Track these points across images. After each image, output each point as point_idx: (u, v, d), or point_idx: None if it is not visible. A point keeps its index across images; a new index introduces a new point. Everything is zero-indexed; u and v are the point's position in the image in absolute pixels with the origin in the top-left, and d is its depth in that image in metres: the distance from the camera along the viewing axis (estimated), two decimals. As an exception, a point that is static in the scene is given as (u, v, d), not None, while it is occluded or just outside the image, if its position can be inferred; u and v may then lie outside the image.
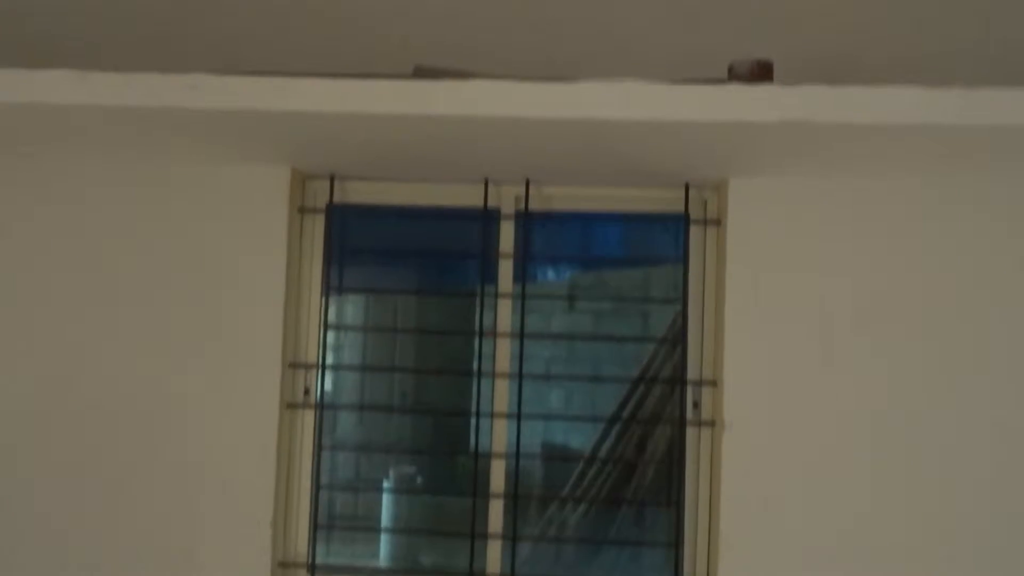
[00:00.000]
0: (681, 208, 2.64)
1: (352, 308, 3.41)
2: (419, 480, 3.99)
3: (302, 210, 2.72)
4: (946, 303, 2.47)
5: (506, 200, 2.72)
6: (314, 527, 2.68)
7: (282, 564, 2.64)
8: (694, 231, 2.67)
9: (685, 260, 2.66)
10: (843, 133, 2.07)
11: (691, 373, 2.65)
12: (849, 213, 2.50)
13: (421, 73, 2.17)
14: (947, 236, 2.48)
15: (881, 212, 2.50)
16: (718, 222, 2.63)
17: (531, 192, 2.68)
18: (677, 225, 2.71)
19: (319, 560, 2.67)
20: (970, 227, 2.48)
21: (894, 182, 2.48)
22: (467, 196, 2.71)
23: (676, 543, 2.63)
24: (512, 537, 2.65)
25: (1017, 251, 2.46)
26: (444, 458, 3.75)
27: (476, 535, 2.64)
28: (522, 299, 2.69)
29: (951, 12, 2.40)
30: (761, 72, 2.16)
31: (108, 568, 2.61)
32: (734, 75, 2.17)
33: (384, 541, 3.62)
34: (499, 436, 2.70)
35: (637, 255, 3.23)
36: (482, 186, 2.68)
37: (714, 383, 2.59)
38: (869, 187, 2.49)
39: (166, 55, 2.35)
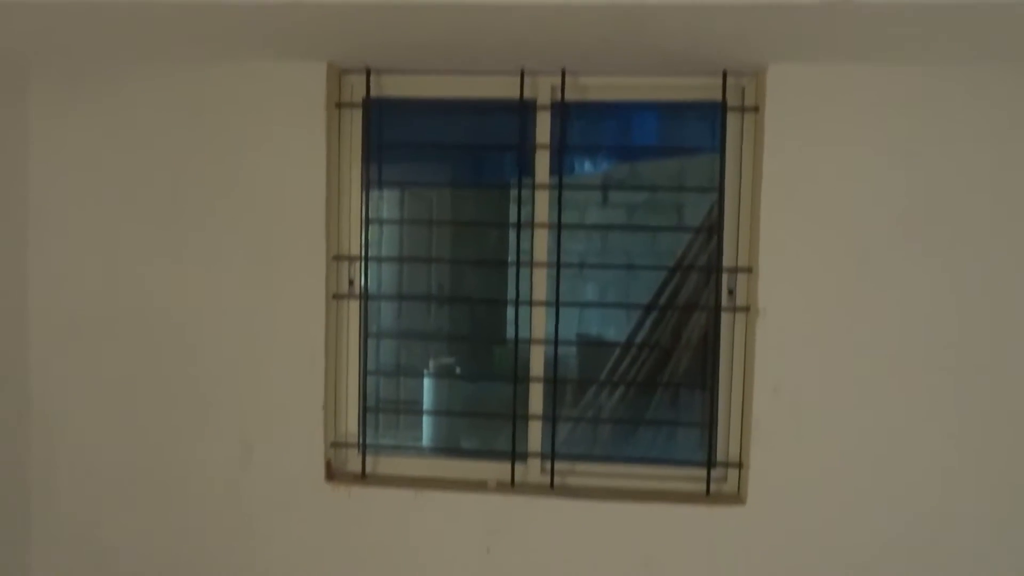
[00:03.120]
0: (718, 96, 2.62)
1: (390, 203, 3.46)
2: (457, 371, 4.13)
3: (339, 105, 2.74)
4: (990, 200, 2.46)
5: (542, 91, 2.72)
6: (363, 410, 2.81)
7: (335, 444, 2.80)
8: (731, 119, 2.65)
9: (722, 148, 2.66)
10: (887, 14, 2.01)
11: (726, 261, 2.69)
12: (890, 102, 2.47)
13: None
14: (995, 130, 2.44)
15: (925, 101, 2.46)
16: (756, 109, 2.61)
17: (567, 83, 2.67)
18: (714, 115, 2.69)
19: (368, 441, 2.82)
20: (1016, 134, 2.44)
21: (941, 70, 2.43)
22: (503, 88, 2.70)
23: (709, 424, 2.73)
24: (552, 418, 2.76)
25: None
26: (481, 349, 3.86)
27: (517, 417, 2.76)
28: (559, 189, 2.72)
29: None
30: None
31: (168, 456, 2.80)
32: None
33: (428, 426, 3.79)
34: (537, 324, 2.78)
35: (673, 145, 3.22)
36: (518, 77, 2.67)
37: (749, 270, 2.63)
38: (913, 75, 2.45)
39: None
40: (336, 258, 2.78)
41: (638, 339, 3.37)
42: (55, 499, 2.85)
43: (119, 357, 2.79)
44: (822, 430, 2.56)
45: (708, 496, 2.67)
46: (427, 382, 4.02)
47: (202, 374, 2.76)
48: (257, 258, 2.72)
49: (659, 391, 3.22)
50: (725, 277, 2.68)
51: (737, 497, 2.67)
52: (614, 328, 4.39)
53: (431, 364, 4.22)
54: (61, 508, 2.85)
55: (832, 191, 2.50)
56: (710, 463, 2.69)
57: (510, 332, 2.79)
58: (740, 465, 2.67)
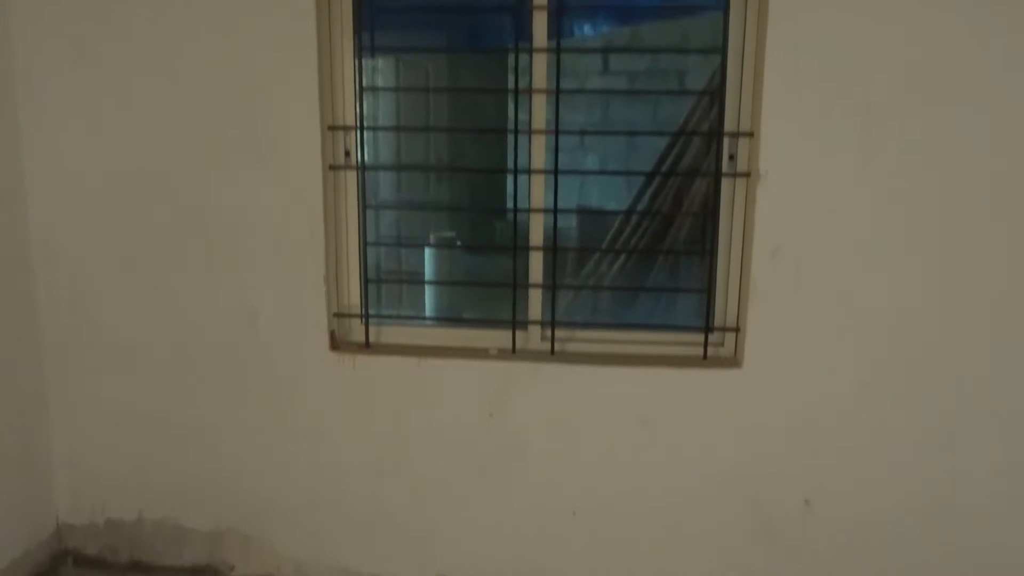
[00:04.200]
0: (724, -50, 2.51)
1: (386, 72, 3.38)
2: (458, 243, 4.14)
3: (329, -34, 2.63)
4: (997, 56, 2.37)
5: (539, -52, 2.60)
6: (364, 279, 2.84)
7: (338, 315, 2.84)
8: (736, -25, 2.55)
9: (726, 7, 2.56)
10: None
11: (728, 125, 2.64)
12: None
13: None
14: (1003, 6, 2.34)
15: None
16: (762, -36, 2.50)
17: (565, -63, 2.56)
18: (718, -29, 2.58)
19: (372, 312, 2.85)
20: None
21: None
22: (498, -56, 2.59)
23: (708, 290, 2.75)
24: (552, 287, 2.78)
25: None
26: (482, 221, 3.85)
27: (517, 286, 2.78)
28: (557, 53, 2.64)
29: None
30: None
31: (178, 331, 2.85)
32: None
33: (430, 298, 3.83)
34: (537, 194, 2.76)
35: (676, 4, 3.10)
36: (514, -68, 2.55)
37: (751, 134, 2.59)
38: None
39: None
40: (331, 128, 2.73)
41: (639, 208, 3.36)
42: (68, 369, 2.93)
43: (122, 225, 2.80)
44: (820, 293, 2.58)
45: (705, 360, 2.73)
46: (428, 254, 4.03)
47: (205, 244, 2.78)
48: (253, 129, 2.67)
49: (659, 259, 3.23)
50: (726, 142, 2.64)
51: (733, 360, 2.72)
52: (615, 200, 4.37)
53: (432, 237, 4.23)
54: (73, 378, 2.93)
55: (837, 50, 2.42)
56: (708, 328, 2.74)
57: (511, 204, 2.77)
58: (737, 329, 2.71)
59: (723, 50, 2.59)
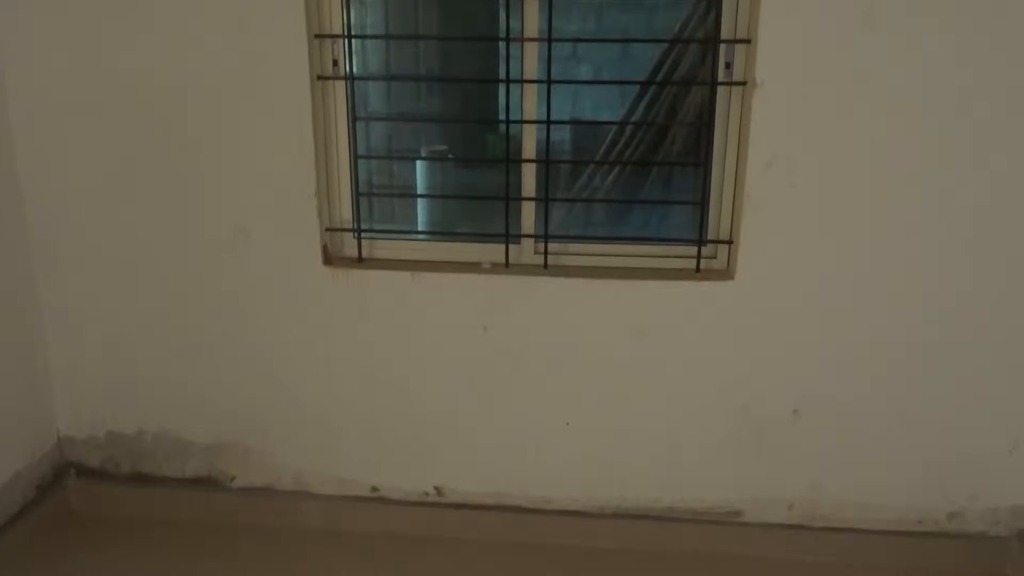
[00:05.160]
0: None
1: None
2: (450, 156, 4.08)
3: None
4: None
5: None
6: (356, 193, 2.81)
7: (330, 230, 2.82)
8: None
9: (725, -94, 2.47)
10: None
11: (725, 32, 2.57)
12: None
13: None
14: None
15: None
16: None
17: None
18: None
19: (364, 227, 2.83)
20: None
21: None
22: None
23: (702, 202, 2.74)
24: (544, 200, 2.76)
25: None
26: (471, 134, 3.79)
27: (510, 199, 2.76)
28: (550, -43, 2.55)
29: None
30: None
31: (168, 250, 2.83)
32: None
33: (423, 212, 3.80)
34: (529, 104, 2.71)
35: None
36: None
37: (748, 41, 2.53)
38: None
39: None
40: (318, 36, 2.65)
41: (633, 119, 3.30)
42: (64, 287, 2.92)
43: (109, 147, 2.74)
44: (815, 206, 2.56)
45: (698, 272, 2.73)
46: (420, 168, 3.98)
47: (192, 162, 2.73)
48: (237, 38, 2.59)
49: (653, 171, 3.20)
50: (723, 49, 2.58)
51: (726, 273, 2.73)
52: (609, 110, 4.30)
53: (423, 151, 4.17)
54: (70, 296, 2.93)
55: (839, -47, 2.35)
56: (701, 241, 2.73)
57: (503, 116, 2.72)
58: (730, 242, 2.70)
59: (721, -48, 2.51)
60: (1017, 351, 2.64)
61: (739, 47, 2.56)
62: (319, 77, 2.68)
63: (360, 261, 2.82)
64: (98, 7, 2.61)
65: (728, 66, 2.60)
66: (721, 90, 2.62)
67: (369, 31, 2.93)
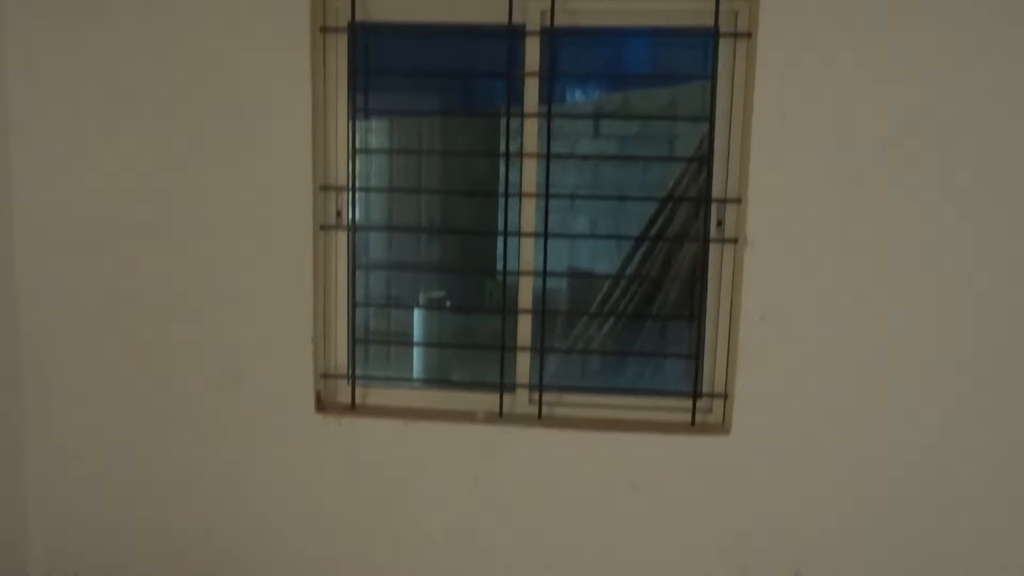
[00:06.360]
0: (711, 22, 2.56)
1: (379, 132, 3.41)
2: (448, 303, 4.13)
3: (324, 29, 2.67)
4: (981, 128, 2.41)
5: (531, 16, 2.65)
6: (352, 340, 2.82)
7: (324, 376, 2.81)
8: (723, 45, 2.59)
9: (713, 75, 2.60)
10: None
11: (716, 191, 2.66)
12: (885, 30, 2.41)
13: None
14: (987, 57, 2.39)
15: (924, 21, 2.39)
16: (748, 35, 2.55)
17: (557, 6, 2.60)
18: (706, 42, 2.63)
19: (359, 373, 2.83)
20: (1015, 50, 2.38)
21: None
22: (492, 12, 2.64)
23: (696, 355, 2.74)
24: (540, 350, 2.77)
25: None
26: (472, 281, 3.86)
27: (505, 349, 2.77)
28: (548, 118, 2.67)
29: None
30: None
31: (161, 389, 2.81)
32: None
33: (419, 359, 3.81)
34: (527, 255, 2.77)
35: (665, 72, 3.15)
36: (507, 1, 2.60)
37: (738, 201, 2.61)
38: (907, 3, 2.39)
39: None
40: (323, 188, 2.74)
41: (628, 271, 3.36)
42: (44, 426, 2.87)
43: (105, 280, 2.77)
44: (808, 359, 2.57)
45: (693, 426, 2.70)
46: (418, 314, 4.02)
47: (192, 302, 2.75)
48: (245, 187, 2.67)
49: (647, 323, 3.23)
50: (714, 208, 2.66)
51: (722, 427, 2.70)
52: (606, 261, 4.39)
53: (422, 297, 4.22)
54: (50, 435, 2.88)
55: (824, 117, 2.46)
56: (696, 394, 2.72)
57: (502, 262, 2.78)
58: (725, 396, 2.69)
59: (710, 118, 2.62)
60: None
61: (730, 205, 2.64)
62: (322, 227, 2.75)
63: (353, 408, 2.80)
64: (106, 150, 2.71)
65: (720, 223, 2.67)
66: (713, 246, 2.68)
67: (375, 178, 3.04)
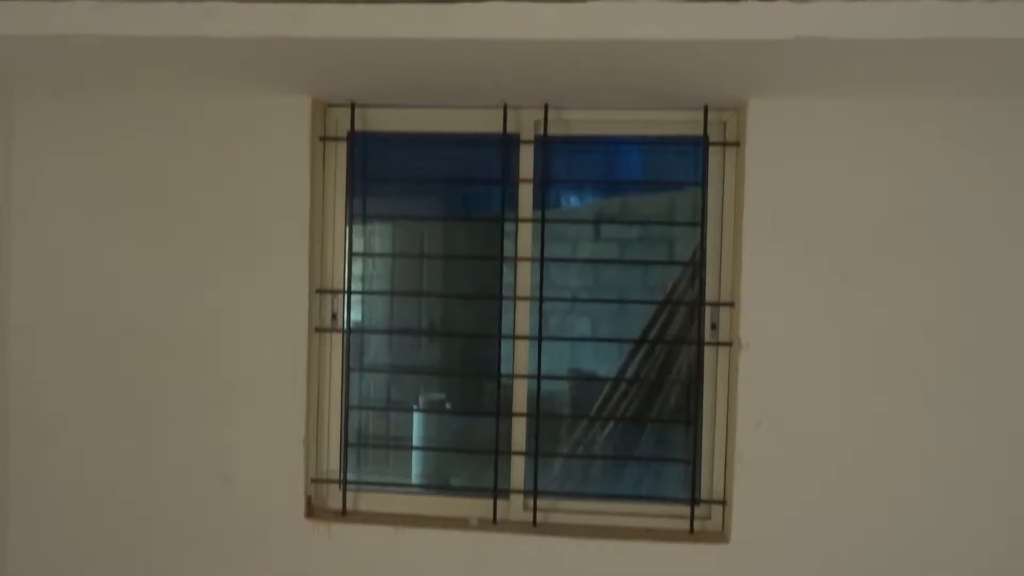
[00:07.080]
0: (700, 131, 2.63)
1: (378, 236, 3.46)
2: (448, 406, 4.08)
3: (324, 139, 2.75)
4: (967, 227, 2.45)
5: (525, 125, 2.73)
6: (344, 445, 2.78)
7: (315, 480, 2.77)
8: (713, 153, 2.66)
9: (704, 183, 2.66)
10: (861, 49, 2.03)
11: (709, 295, 2.67)
12: (870, 135, 2.48)
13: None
14: (973, 159, 2.45)
15: (903, 134, 2.47)
16: (737, 144, 2.61)
17: (550, 117, 2.69)
18: (696, 149, 2.70)
19: (353, 477, 2.78)
20: (999, 153, 2.44)
21: (917, 103, 2.44)
22: (486, 122, 2.72)
23: (693, 461, 2.69)
24: (535, 454, 2.73)
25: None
26: (470, 383, 3.82)
27: (500, 453, 2.73)
28: (542, 224, 2.72)
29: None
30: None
31: (147, 489, 2.77)
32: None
33: (415, 461, 3.74)
34: (521, 358, 2.77)
35: (657, 179, 3.22)
36: (501, 112, 2.68)
37: (731, 304, 2.62)
38: (891, 108, 2.46)
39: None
40: (319, 291, 2.77)
41: (627, 374, 3.34)
42: (33, 527, 2.82)
43: (99, 377, 2.77)
44: (806, 465, 2.52)
45: (692, 534, 2.63)
46: (416, 417, 3.98)
47: (183, 402, 2.74)
48: (242, 290, 2.70)
49: (644, 427, 3.19)
50: (708, 311, 2.67)
51: (721, 535, 2.63)
52: (607, 360, 4.36)
53: (420, 399, 4.18)
54: (39, 537, 2.82)
55: (813, 222, 2.50)
56: (694, 500, 2.66)
57: (498, 365, 2.77)
58: (723, 502, 2.63)
59: (702, 223, 2.66)
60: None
61: (723, 309, 2.65)
62: (317, 329, 2.76)
63: (344, 514, 2.74)
64: (105, 246, 2.75)
65: (714, 327, 2.67)
66: (709, 350, 2.67)
67: (374, 278, 3.07)
